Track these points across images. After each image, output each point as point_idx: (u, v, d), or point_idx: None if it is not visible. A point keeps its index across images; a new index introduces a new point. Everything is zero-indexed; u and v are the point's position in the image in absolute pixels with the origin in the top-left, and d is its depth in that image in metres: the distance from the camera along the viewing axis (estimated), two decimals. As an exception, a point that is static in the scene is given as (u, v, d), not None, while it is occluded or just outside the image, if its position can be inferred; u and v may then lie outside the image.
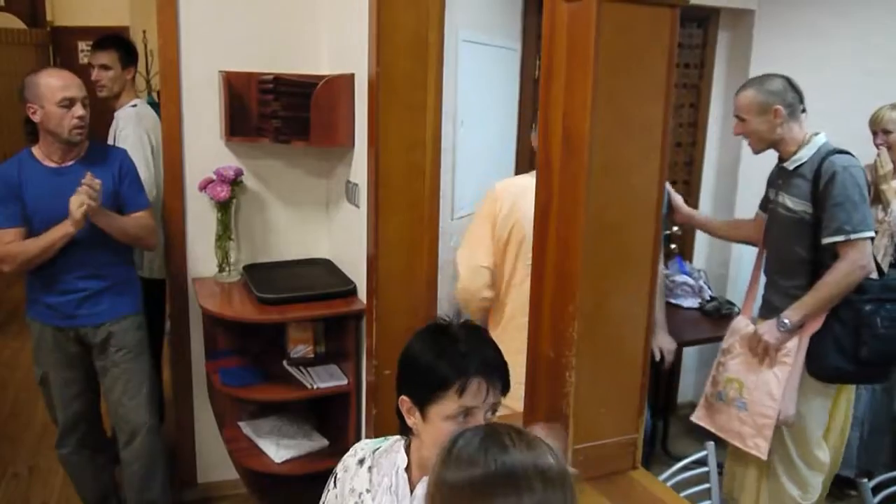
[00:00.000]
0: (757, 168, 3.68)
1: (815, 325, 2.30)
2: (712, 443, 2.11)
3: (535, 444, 0.93)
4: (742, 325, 2.51)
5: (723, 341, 2.57)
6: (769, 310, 2.44)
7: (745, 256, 3.80)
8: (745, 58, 3.69)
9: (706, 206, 3.93)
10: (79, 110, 2.30)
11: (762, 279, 2.58)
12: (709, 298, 3.60)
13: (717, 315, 3.50)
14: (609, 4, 1.19)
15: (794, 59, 3.59)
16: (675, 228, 3.90)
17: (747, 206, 3.73)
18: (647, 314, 1.32)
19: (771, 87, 2.37)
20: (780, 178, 2.44)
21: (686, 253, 3.93)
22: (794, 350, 2.31)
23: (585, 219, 1.24)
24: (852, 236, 2.19)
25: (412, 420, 1.27)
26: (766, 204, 2.57)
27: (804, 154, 2.33)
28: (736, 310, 3.56)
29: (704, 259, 3.97)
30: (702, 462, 2.09)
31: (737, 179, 3.77)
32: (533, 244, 1.36)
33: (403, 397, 1.28)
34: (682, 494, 1.99)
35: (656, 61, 1.27)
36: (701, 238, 3.95)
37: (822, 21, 3.56)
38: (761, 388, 2.35)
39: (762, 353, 2.35)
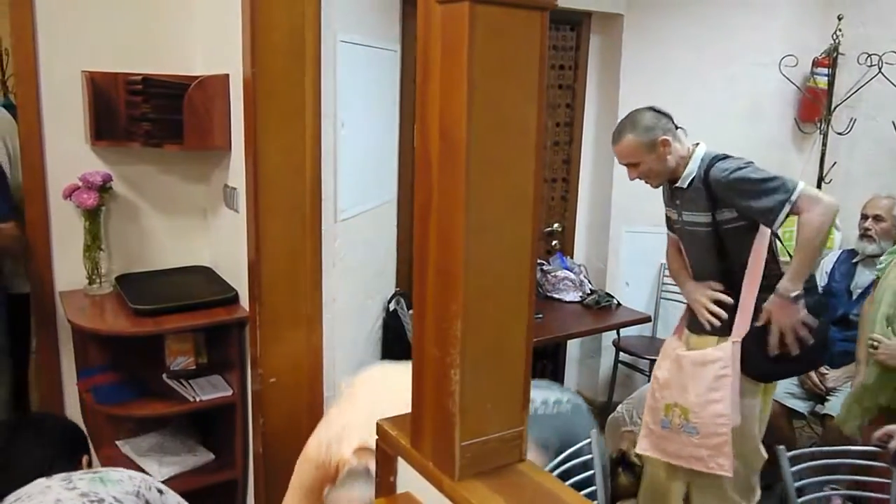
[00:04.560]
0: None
1: (744, 330, 2.30)
2: (595, 430, 2.19)
3: None
4: (672, 347, 2.48)
5: (655, 366, 2.54)
6: (699, 322, 2.42)
7: (622, 251, 3.97)
8: (615, 60, 3.86)
9: (584, 202, 4.08)
10: None
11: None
12: (589, 292, 3.75)
13: (597, 307, 3.65)
14: (481, 7, 1.21)
15: (660, 62, 3.79)
16: (556, 225, 4.03)
17: (622, 201, 3.90)
18: (527, 309, 1.35)
19: (645, 122, 2.37)
20: (676, 199, 2.45)
21: (567, 249, 4.07)
22: (730, 359, 2.29)
23: (465, 217, 1.25)
24: (793, 196, 2.17)
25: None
26: (671, 225, 2.57)
27: (691, 169, 2.35)
28: (615, 302, 3.72)
29: (584, 254, 4.12)
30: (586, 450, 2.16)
31: (612, 176, 3.93)
32: (414, 243, 1.37)
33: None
34: (569, 482, 2.06)
35: (529, 62, 1.30)
36: (580, 234, 4.10)
37: (687, 28, 3.78)
38: (708, 410, 2.30)
39: (792, 334, 2.24)
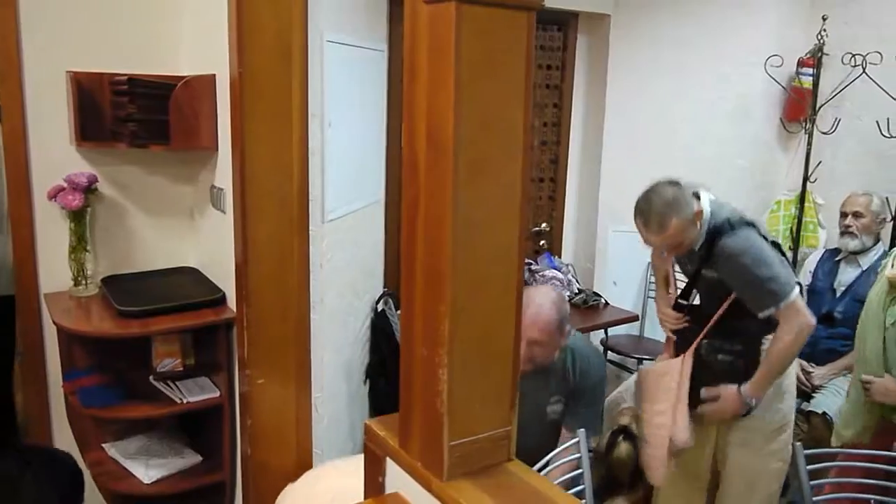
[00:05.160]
0: (617, 167, 3.89)
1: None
2: (583, 430, 2.20)
3: None
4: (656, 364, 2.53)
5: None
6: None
7: (609, 250, 3.99)
8: (602, 60, 3.87)
9: (571, 202, 4.09)
10: None
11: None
12: (577, 291, 3.76)
13: (585, 307, 3.66)
14: (468, 7, 1.21)
15: (647, 62, 3.81)
16: (544, 225, 4.04)
17: (609, 200, 3.92)
18: (515, 309, 1.35)
19: (680, 199, 2.23)
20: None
21: (554, 248, 4.08)
22: (678, 374, 2.31)
23: (453, 218, 1.25)
24: (781, 305, 2.18)
25: None
26: None
27: (701, 233, 2.29)
28: (602, 301, 3.74)
29: (572, 254, 4.13)
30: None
31: (599, 175, 3.95)
32: (401, 244, 1.37)
33: None
34: (557, 481, 2.07)
35: (516, 62, 1.30)
36: (568, 233, 4.11)
37: (674, 28, 3.80)
38: (653, 421, 2.35)
39: (712, 416, 2.34)
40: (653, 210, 2.23)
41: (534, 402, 2.28)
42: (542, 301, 2.23)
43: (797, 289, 2.24)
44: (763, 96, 3.87)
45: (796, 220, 3.92)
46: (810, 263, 3.46)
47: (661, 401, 2.33)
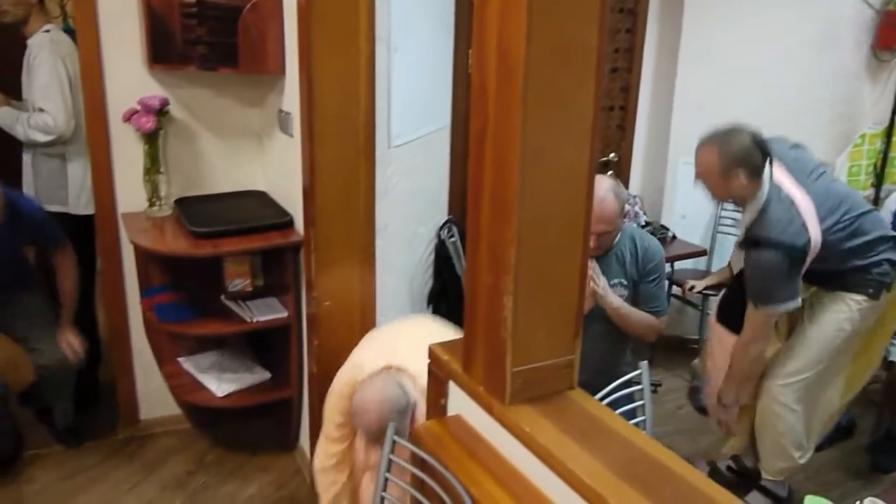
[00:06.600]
0: (691, 95, 3.74)
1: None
2: (646, 362, 2.18)
3: None
4: None
5: None
6: None
7: (679, 183, 3.88)
8: (680, -19, 3.68)
9: (641, 132, 3.97)
10: None
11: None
12: (644, 223, 3.69)
13: (652, 239, 3.58)
14: (543, -78, 1.16)
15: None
16: (612, 154, 3.95)
17: (681, 131, 3.79)
18: (582, 239, 1.33)
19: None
20: None
21: (622, 179, 3.99)
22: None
23: (521, 144, 1.23)
24: (772, 308, 2.38)
25: None
26: None
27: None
28: (671, 234, 3.66)
29: (640, 185, 4.04)
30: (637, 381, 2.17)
31: (672, 104, 3.80)
32: (469, 170, 1.35)
33: None
34: (619, 412, 2.07)
35: (591, -18, 1.24)
36: (637, 165, 4.01)
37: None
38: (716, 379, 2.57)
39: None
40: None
41: None
42: (602, 195, 2.28)
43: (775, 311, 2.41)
44: (853, 21, 3.63)
45: (881, 156, 3.72)
46: (891, 203, 3.28)
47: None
